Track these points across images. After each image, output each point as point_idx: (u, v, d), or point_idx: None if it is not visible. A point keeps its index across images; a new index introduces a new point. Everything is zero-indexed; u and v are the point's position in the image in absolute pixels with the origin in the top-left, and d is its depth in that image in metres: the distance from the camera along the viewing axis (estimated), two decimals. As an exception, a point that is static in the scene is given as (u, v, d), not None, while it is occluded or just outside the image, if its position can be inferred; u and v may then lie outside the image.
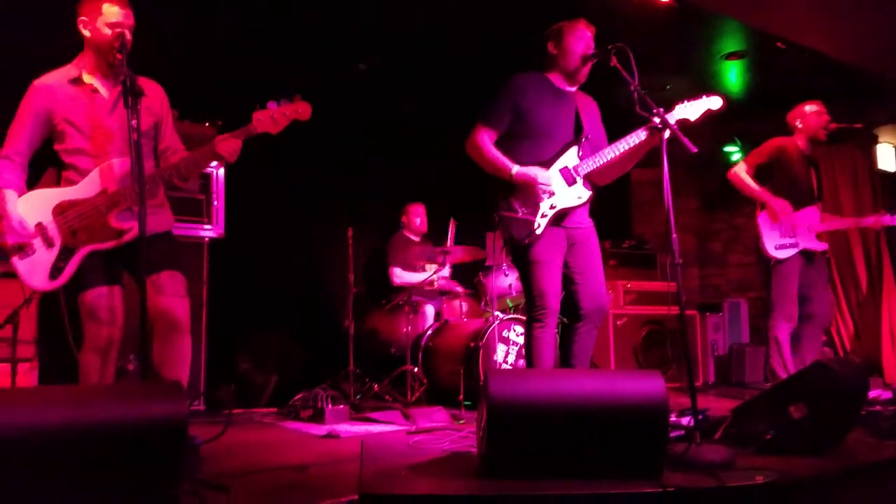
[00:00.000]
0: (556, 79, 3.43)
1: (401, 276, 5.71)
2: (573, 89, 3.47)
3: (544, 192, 3.23)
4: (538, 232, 3.22)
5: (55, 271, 2.74)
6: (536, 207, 3.24)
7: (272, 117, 2.85)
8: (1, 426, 1.77)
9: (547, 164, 3.30)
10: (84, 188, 2.81)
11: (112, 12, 2.77)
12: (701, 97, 3.27)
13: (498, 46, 5.35)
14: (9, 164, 2.81)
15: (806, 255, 4.61)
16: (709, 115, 3.29)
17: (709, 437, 2.80)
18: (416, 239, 5.92)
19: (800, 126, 4.74)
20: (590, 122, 3.43)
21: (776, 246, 4.58)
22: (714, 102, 3.27)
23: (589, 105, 3.52)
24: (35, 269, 2.74)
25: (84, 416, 1.87)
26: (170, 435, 1.93)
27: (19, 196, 2.78)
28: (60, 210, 2.78)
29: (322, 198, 5.93)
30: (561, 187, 3.29)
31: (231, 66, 5.31)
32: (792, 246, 4.57)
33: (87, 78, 2.87)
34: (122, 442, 1.88)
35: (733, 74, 6.21)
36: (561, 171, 3.31)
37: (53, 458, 1.81)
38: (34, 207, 2.78)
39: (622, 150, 3.27)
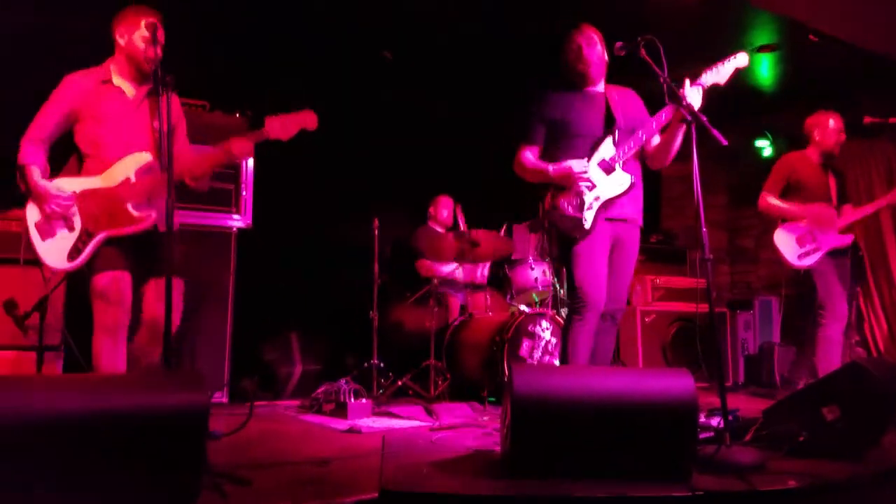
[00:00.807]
0: (576, 82, 3.46)
1: (429, 267, 5.68)
2: (598, 87, 3.48)
3: (583, 182, 3.28)
4: (587, 227, 3.27)
5: (74, 252, 2.89)
6: (581, 202, 3.29)
7: (283, 125, 3.06)
8: (23, 413, 1.78)
9: (584, 160, 3.34)
10: (107, 178, 2.96)
11: (148, 23, 2.96)
12: (728, 58, 3.26)
13: (526, 40, 5.30)
14: (33, 147, 2.96)
15: (833, 254, 4.62)
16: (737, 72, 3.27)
17: (739, 438, 2.75)
18: (442, 231, 5.88)
19: (817, 138, 4.76)
20: (625, 112, 3.43)
21: (798, 256, 4.63)
22: (741, 60, 3.28)
23: (625, 96, 3.53)
24: (55, 250, 2.89)
25: (105, 405, 1.88)
26: (190, 425, 1.93)
27: (42, 178, 2.93)
28: (83, 197, 2.93)
29: (348, 188, 5.93)
30: (601, 178, 3.32)
31: (260, 56, 5.32)
32: (815, 251, 4.60)
33: (116, 80, 3.06)
34: (143, 431, 1.89)
35: (765, 67, 6.09)
36: (599, 164, 3.34)
37: (74, 447, 1.82)
38: (60, 191, 2.92)
39: (655, 129, 3.30)
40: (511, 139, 3.56)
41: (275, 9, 4.85)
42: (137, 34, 2.98)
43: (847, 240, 4.65)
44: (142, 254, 2.96)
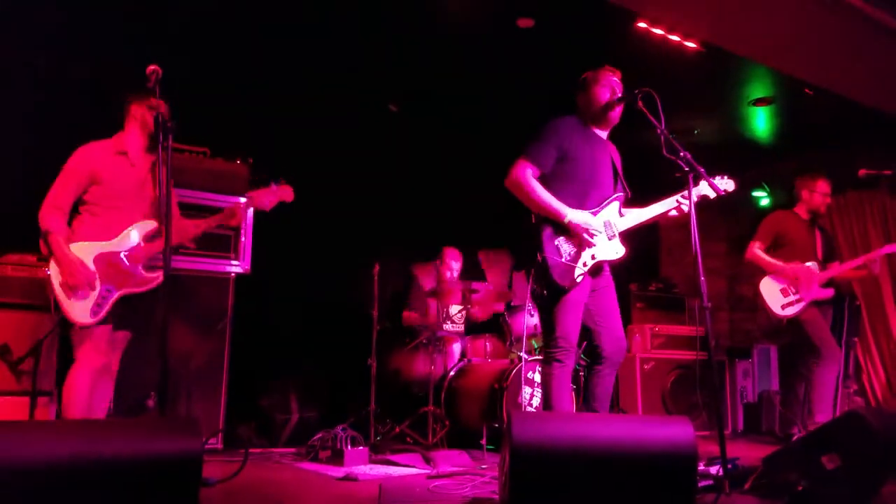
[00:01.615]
0: (589, 124, 3.47)
1: (409, 319, 5.70)
2: (605, 135, 3.50)
3: (590, 243, 3.27)
4: (578, 280, 3.23)
5: (96, 308, 3.22)
6: (579, 256, 3.27)
7: (264, 197, 3.61)
8: (16, 458, 1.77)
9: (592, 214, 3.33)
10: (119, 243, 3.34)
11: (159, 103, 3.15)
12: (719, 178, 3.38)
13: (526, 88, 5.41)
14: (58, 216, 3.27)
15: (817, 303, 4.89)
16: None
17: (738, 487, 2.74)
18: (451, 277, 5.82)
19: (805, 198, 5.09)
20: (622, 174, 3.48)
21: (782, 305, 4.90)
22: (728, 185, 3.41)
23: (616, 154, 3.55)
24: (79, 308, 3.19)
25: (99, 451, 1.86)
26: (184, 471, 1.91)
27: (65, 244, 3.25)
28: (101, 260, 3.27)
29: (349, 234, 5.95)
30: (602, 240, 3.32)
31: (262, 102, 5.41)
32: (798, 301, 4.88)
33: (129, 151, 3.41)
34: (137, 477, 1.87)
35: (761, 120, 6.19)
36: (604, 223, 3.34)
37: (67, 493, 1.80)
38: (81, 256, 3.24)
39: (654, 214, 3.39)
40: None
41: (277, 55, 4.95)
42: (149, 115, 3.26)
43: (828, 293, 4.93)
44: (136, 309, 3.35)
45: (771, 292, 4.94)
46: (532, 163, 3.33)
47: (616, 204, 3.39)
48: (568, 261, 3.24)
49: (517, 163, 3.35)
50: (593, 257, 3.28)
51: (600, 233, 3.29)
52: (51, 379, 3.94)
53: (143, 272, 3.33)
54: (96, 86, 4.75)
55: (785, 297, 4.91)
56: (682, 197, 3.30)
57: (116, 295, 3.26)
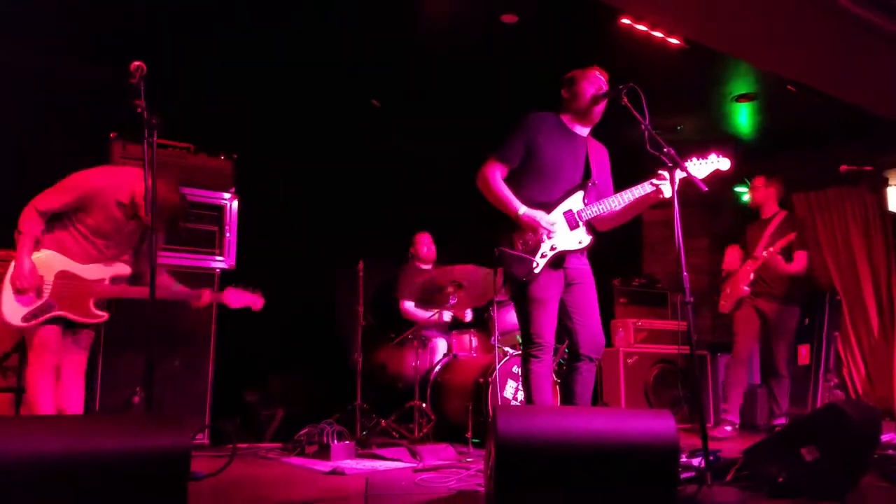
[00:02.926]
0: (568, 120, 3.47)
1: (411, 310, 5.68)
2: (586, 132, 3.50)
3: (546, 234, 3.28)
4: (536, 271, 3.26)
5: (30, 316, 3.29)
6: (537, 247, 3.28)
7: (236, 297, 3.79)
8: (2, 454, 1.77)
9: (552, 206, 3.34)
10: (90, 270, 3.44)
11: (142, 193, 3.31)
12: (709, 156, 3.36)
13: (509, 83, 5.42)
14: (37, 221, 3.33)
15: (740, 301, 5.44)
16: (717, 174, 3.37)
17: (720, 478, 2.77)
18: (428, 267, 5.87)
19: (754, 201, 5.57)
20: (599, 168, 3.47)
21: (721, 300, 5.59)
22: (723, 164, 3.37)
23: (600, 151, 3.56)
24: (15, 308, 3.27)
25: (86, 447, 1.87)
26: (172, 466, 1.92)
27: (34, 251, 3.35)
28: (62, 276, 3.37)
29: (332, 230, 5.95)
30: (563, 230, 3.32)
31: (246, 98, 5.40)
32: (730, 297, 5.50)
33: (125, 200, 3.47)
34: (124, 473, 1.87)
35: (744, 116, 6.24)
36: (565, 213, 3.35)
37: (53, 489, 1.80)
38: (46, 264, 3.35)
39: (626, 201, 3.33)
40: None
41: (260, 51, 4.93)
42: (140, 199, 3.34)
43: (744, 291, 5.39)
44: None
45: (722, 288, 5.62)
46: (500, 160, 3.39)
47: (580, 194, 3.37)
48: (524, 253, 3.27)
49: (487, 161, 3.40)
50: (553, 248, 3.29)
51: (554, 224, 3.28)
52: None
53: (92, 307, 3.42)
54: (78, 84, 4.74)
55: (723, 292, 5.56)
56: (657, 179, 3.25)
57: (54, 313, 3.32)
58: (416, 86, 5.55)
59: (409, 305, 5.70)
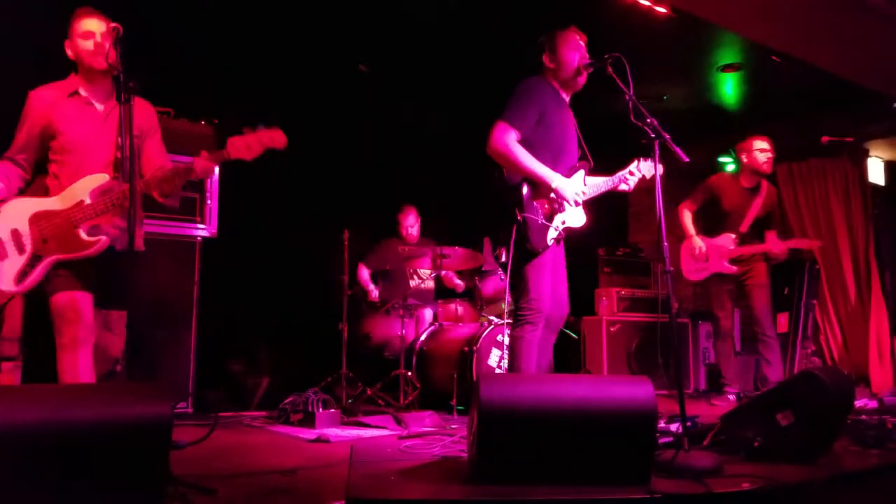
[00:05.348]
0: (558, 88, 3.45)
1: (364, 278, 5.71)
2: (568, 99, 3.50)
3: (564, 209, 3.32)
4: (549, 244, 3.30)
5: (22, 276, 2.85)
6: (552, 220, 3.31)
7: (247, 144, 2.97)
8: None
9: None
10: (62, 200, 2.92)
11: (83, 24, 2.95)
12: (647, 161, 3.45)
13: (493, 50, 5.37)
14: (7, 165, 2.98)
15: (718, 276, 5.11)
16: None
17: (697, 443, 2.82)
18: (408, 248, 5.82)
19: (745, 161, 5.13)
20: (584, 145, 3.52)
21: (689, 270, 5.22)
22: (648, 171, 3.48)
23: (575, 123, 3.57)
24: (3, 272, 2.84)
25: (67, 416, 1.86)
26: (153, 436, 1.92)
27: (3, 197, 2.92)
28: (36, 219, 2.88)
29: (317, 198, 5.92)
30: (571, 207, 3.36)
31: (228, 62, 5.31)
32: (704, 270, 5.14)
33: (82, 91, 3.02)
34: (105, 442, 1.88)
35: (729, 86, 6.24)
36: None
37: (34, 459, 1.80)
38: (14, 214, 2.90)
39: (608, 187, 3.46)
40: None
41: (242, 14, 4.85)
42: (76, 36, 2.95)
43: (731, 270, 5.04)
44: (98, 275, 2.92)
45: (686, 255, 5.23)
46: (513, 126, 3.25)
47: (581, 173, 3.43)
48: (545, 223, 3.28)
49: (497, 126, 3.27)
50: (563, 223, 3.34)
51: (580, 201, 3.34)
52: (14, 346, 3.90)
53: (82, 235, 2.88)
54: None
55: (695, 263, 5.18)
56: (629, 174, 3.44)
57: (48, 261, 2.85)
58: (403, 49, 5.48)
59: (364, 274, 5.72)
